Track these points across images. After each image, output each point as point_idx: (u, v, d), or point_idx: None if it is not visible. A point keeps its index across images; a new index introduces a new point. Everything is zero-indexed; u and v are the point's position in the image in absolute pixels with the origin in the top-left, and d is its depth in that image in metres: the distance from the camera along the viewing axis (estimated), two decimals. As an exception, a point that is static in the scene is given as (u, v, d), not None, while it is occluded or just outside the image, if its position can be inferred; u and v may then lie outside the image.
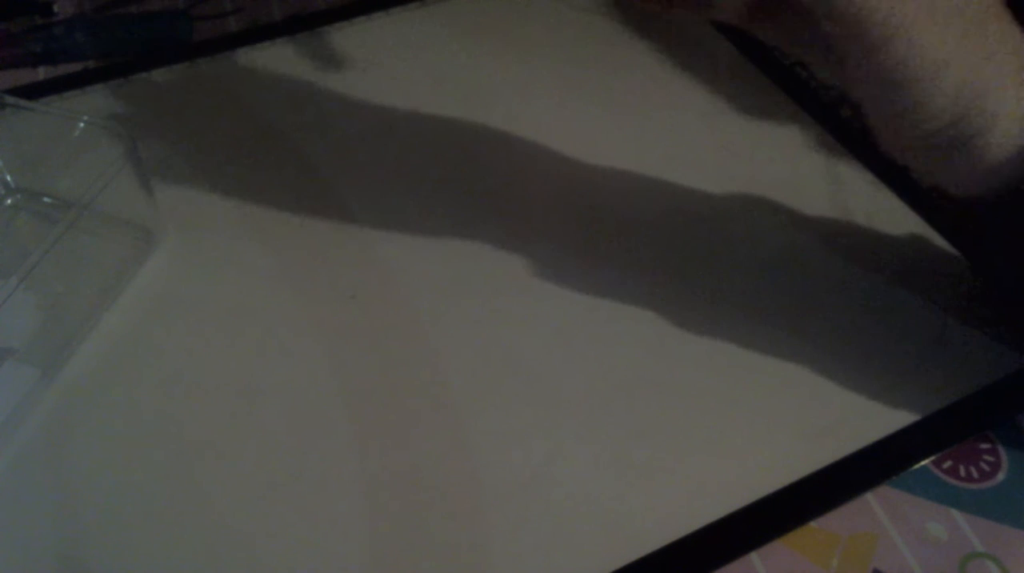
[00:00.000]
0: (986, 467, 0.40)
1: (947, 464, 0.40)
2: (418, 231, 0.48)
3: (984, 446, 0.41)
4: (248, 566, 0.36)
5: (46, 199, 0.48)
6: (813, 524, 0.38)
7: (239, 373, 0.42)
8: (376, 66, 0.57)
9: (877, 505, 0.38)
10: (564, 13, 0.61)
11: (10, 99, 0.45)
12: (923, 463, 0.40)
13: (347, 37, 0.59)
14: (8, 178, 0.48)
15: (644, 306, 0.44)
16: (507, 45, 0.58)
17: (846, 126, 0.54)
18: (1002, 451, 0.40)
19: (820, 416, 0.41)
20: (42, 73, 0.57)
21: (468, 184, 0.50)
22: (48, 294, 0.44)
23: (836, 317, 0.44)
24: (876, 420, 0.40)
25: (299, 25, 0.60)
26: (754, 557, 0.37)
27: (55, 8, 0.60)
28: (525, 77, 0.56)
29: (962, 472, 0.40)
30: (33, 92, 0.55)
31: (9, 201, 0.48)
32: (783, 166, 0.51)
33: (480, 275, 0.46)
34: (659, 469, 0.39)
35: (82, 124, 0.45)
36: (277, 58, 0.57)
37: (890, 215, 0.49)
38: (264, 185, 0.50)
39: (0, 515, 0.38)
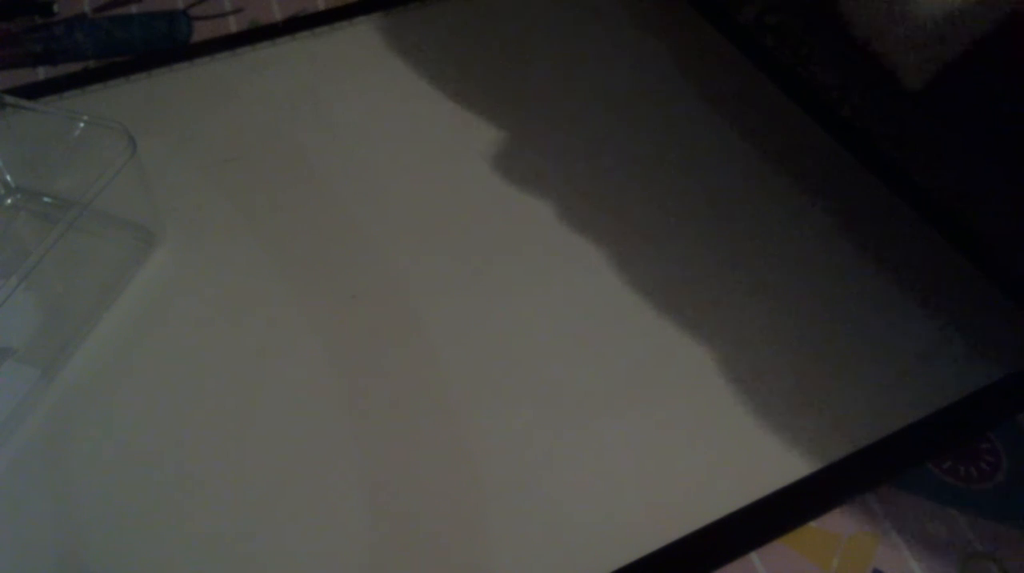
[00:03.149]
0: (986, 467, 0.40)
1: (947, 464, 0.40)
2: (418, 231, 0.48)
3: (984, 446, 0.41)
4: (248, 565, 0.36)
5: (46, 199, 0.48)
6: (813, 524, 0.38)
7: (239, 373, 0.42)
8: (376, 66, 0.57)
9: (877, 505, 0.38)
10: (562, 13, 0.61)
11: (10, 99, 0.45)
12: (923, 463, 0.40)
13: (347, 37, 0.59)
14: (8, 178, 0.48)
15: (644, 306, 0.45)
16: (506, 45, 0.58)
17: (847, 126, 0.54)
18: (1002, 451, 0.40)
19: (820, 416, 0.41)
20: (42, 73, 0.57)
21: (468, 183, 0.50)
22: (48, 294, 0.44)
23: (836, 317, 0.44)
24: (876, 420, 0.40)
25: (299, 25, 0.60)
26: (754, 557, 0.37)
27: (55, 8, 0.60)
28: (524, 76, 0.56)
29: (962, 472, 0.40)
30: (33, 92, 0.55)
31: (9, 201, 0.48)
32: (782, 166, 0.51)
33: (480, 275, 0.46)
34: (659, 469, 0.39)
35: (82, 124, 0.45)
36: (277, 58, 0.57)
37: (890, 214, 0.49)
38: (264, 185, 0.50)
39: (0, 515, 0.38)
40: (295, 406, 0.41)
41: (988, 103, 0.39)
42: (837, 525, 0.38)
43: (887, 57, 0.40)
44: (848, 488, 0.39)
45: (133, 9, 0.61)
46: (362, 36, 0.59)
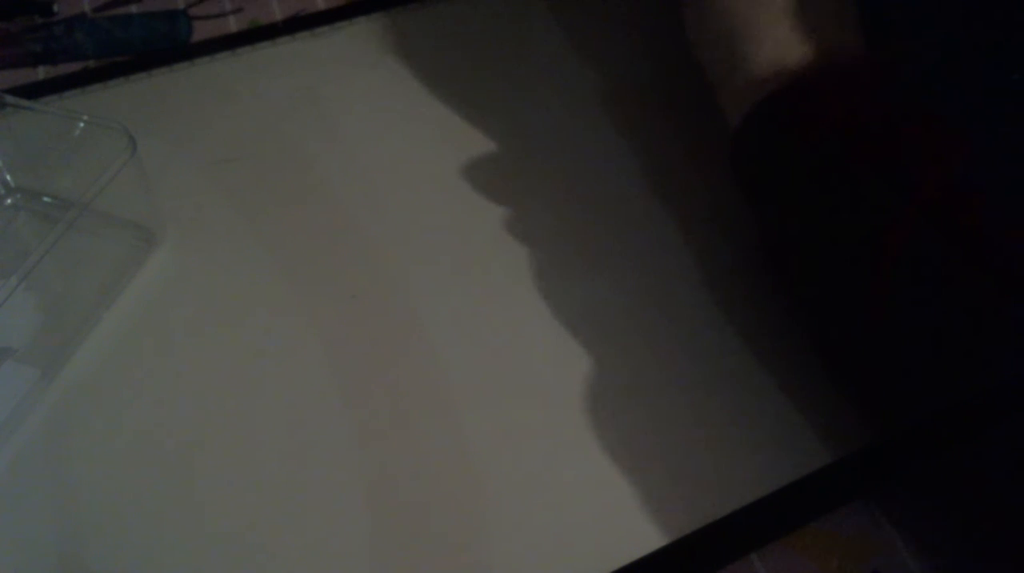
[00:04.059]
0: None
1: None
2: (418, 231, 0.48)
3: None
4: (248, 566, 0.36)
5: (46, 199, 0.48)
6: (813, 524, 0.38)
7: (239, 373, 0.42)
8: (376, 66, 0.57)
9: (877, 505, 0.38)
10: (564, 13, 0.61)
11: (10, 99, 0.45)
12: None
13: (347, 37, 0.59)
14: (8, 178, 0.48)
15: (645, 306, 0.45)
16: (509, 45, 0.58)
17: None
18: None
19: (820, 416, 0.41)
20: (42, 73, 0.57)
21: (468, 184, 0.50)
22: (48, 294, 0.44)
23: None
24: (877, 420, 0.40)
25: (299, 25, 0.60)
26: (754, 557, 0.37)
27: (55, 8, 0.60)
28: (527, 77, 0.56)
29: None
30: (33, 92, 0.55)
31: (9, 201, 0.48)
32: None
33: (480, 276, 0.46)
34: (659, 468, 0.39)
35: (82, 124, 0.45)
36: (277, 58, 0.57)
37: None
38: (264, 185, 0.50)
39: (0, 515, 0.38)
40: (295, 406, 0.41)
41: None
42: (837, 525, 0.38)
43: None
44: (848, 488, 0.39)
45: (133, 9, 0.61)
46: (362, 36, 0.59)
